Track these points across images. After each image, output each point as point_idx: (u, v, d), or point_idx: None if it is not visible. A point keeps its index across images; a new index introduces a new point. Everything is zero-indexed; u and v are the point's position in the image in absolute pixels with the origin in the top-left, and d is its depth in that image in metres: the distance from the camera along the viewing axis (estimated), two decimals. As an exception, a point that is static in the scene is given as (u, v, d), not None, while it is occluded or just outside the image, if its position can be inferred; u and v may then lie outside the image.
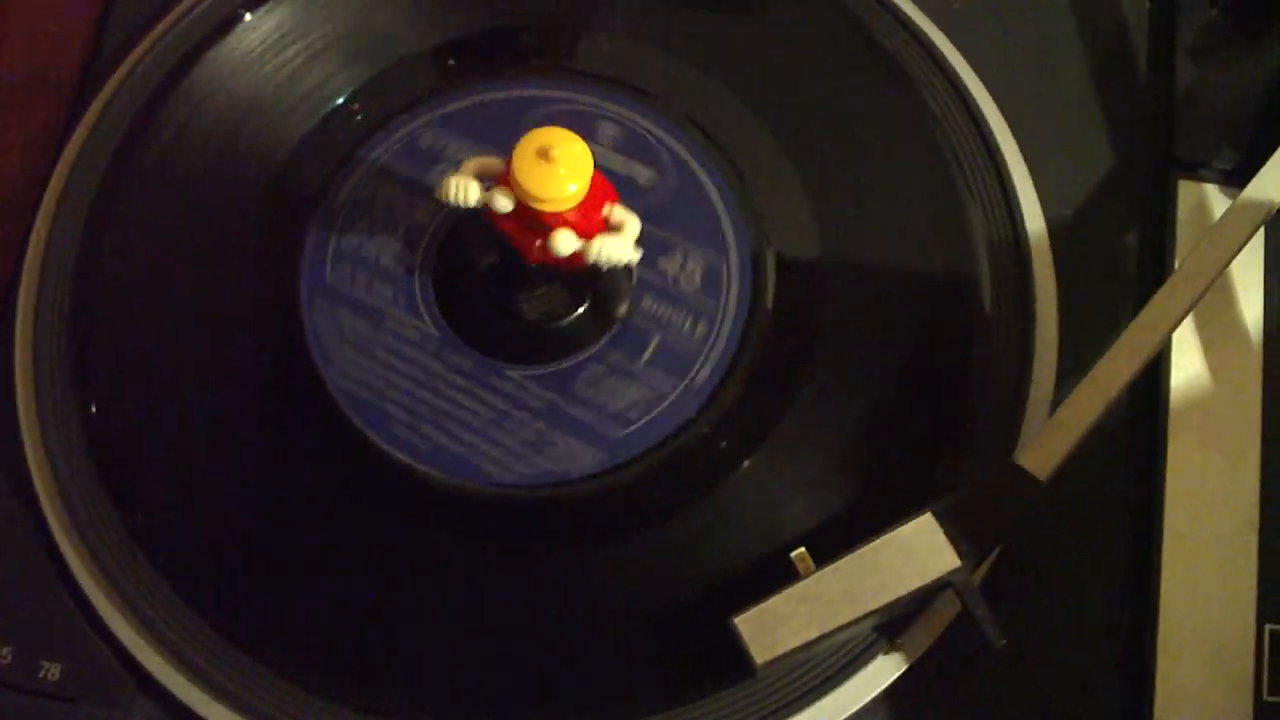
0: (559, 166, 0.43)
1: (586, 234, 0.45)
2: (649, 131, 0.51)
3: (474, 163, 0.46)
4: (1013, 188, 0.51)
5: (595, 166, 0.44)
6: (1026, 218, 0.51)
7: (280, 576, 0.47)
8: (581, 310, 0.49)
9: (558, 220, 0.45)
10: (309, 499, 0.47)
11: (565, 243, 0.45)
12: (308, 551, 0.47)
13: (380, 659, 0.45)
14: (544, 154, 0.43)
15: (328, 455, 0.48)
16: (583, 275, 0.48)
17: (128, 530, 0.46)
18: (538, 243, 0.46)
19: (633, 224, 0.46)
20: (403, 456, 0.47)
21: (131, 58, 0.53)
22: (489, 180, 0.46)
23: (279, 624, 0.46)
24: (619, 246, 0.46)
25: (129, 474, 0.47)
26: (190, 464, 0.48)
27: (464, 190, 0.45)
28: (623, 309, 0.49)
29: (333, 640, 0.46)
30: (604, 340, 0.48)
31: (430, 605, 0.46)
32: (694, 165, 0.51)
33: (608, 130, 0.51)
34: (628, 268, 0.49)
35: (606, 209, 0.46)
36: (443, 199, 0.46)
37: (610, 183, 0.46)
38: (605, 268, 0.46)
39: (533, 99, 0.52)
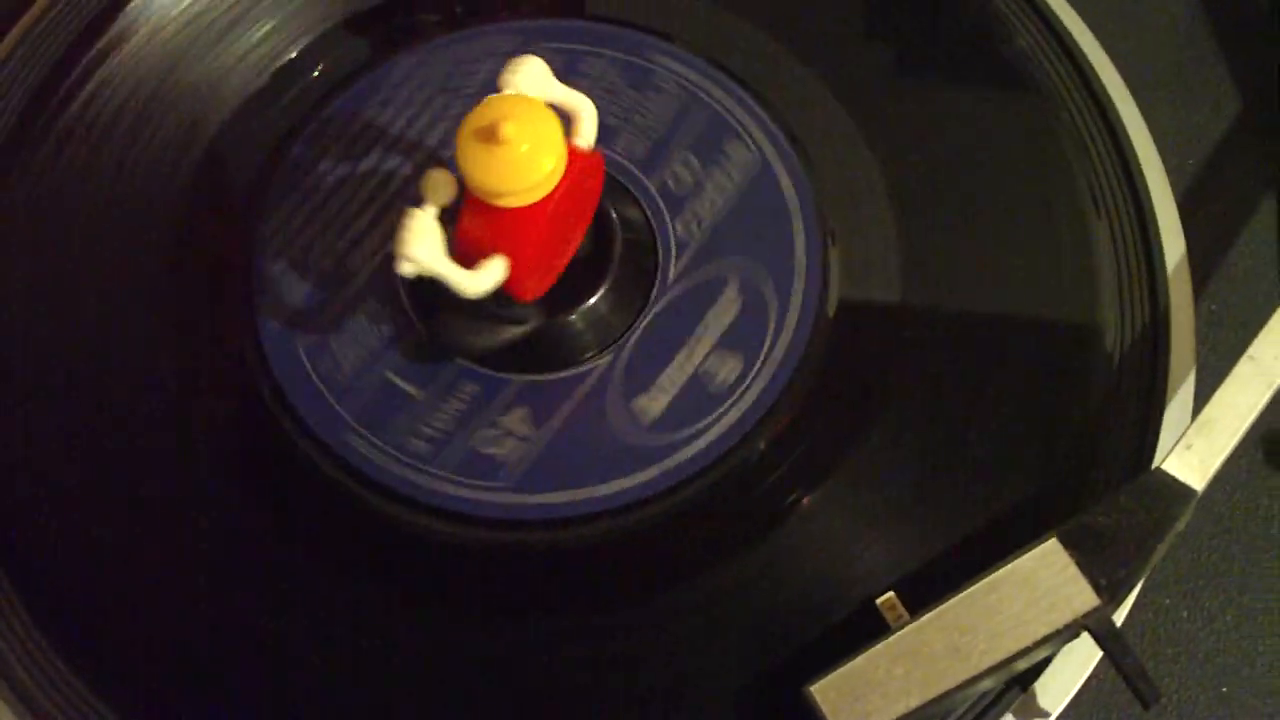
0: (518, 144, 0.37)
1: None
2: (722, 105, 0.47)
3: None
4: (1128, 143, 0.46)
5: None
6: (1148, 177, 0.46)
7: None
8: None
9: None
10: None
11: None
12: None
13: None
14: (490, 135, 0.37)
15: (299, 499, 0.42)
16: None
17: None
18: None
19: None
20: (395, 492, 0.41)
21: (27, 18, 0.48)
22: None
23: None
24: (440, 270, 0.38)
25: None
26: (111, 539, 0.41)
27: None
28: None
29: None
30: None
31: (429, 682, 0.39)
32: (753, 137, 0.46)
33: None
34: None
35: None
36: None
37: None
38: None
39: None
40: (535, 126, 0.37)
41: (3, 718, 0.39)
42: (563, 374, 0.42)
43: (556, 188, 0.38)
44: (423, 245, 0.38)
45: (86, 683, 0.39)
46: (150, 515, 0.41)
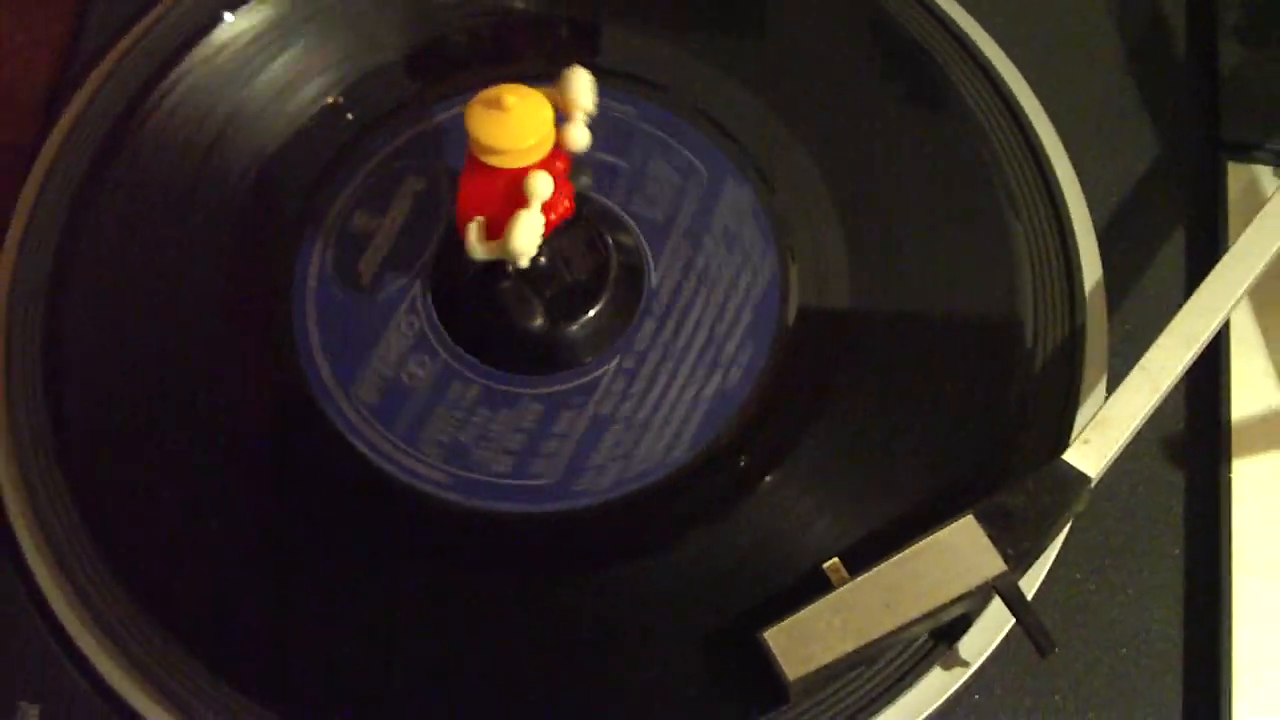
0: (516, 112, 0.44)
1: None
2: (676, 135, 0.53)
3: None
4: (1055, 180, 0.52)
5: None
6: (1071, 210, 0.51)
7: (267, 607, 0.46)
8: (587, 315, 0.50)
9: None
10: (302, 524, 0.47)
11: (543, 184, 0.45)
12: (299, 582, 0.47)
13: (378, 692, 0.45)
14: (495, 102, 0.44)
15: (328, 480, 0.48)
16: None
17: (107, 561, 0.46)
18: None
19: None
20: (421, 485, 0.47)
21: (105, 64, 0.54)
22: None
23: (268, 657, 0.45)
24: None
25: (108, 501, 0.47)
26: (173, 492, 0.48)
27: None
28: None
29: (327, 674, 0.45)
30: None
31: (442, 636, 0.46)
32: (721, 170, 0.52)
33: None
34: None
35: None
36: None
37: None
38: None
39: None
40: (532, 105, 0.44)
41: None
42: (562, 376, 0.49)
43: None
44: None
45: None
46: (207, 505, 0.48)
